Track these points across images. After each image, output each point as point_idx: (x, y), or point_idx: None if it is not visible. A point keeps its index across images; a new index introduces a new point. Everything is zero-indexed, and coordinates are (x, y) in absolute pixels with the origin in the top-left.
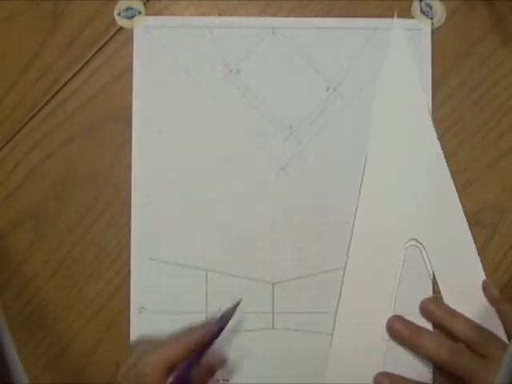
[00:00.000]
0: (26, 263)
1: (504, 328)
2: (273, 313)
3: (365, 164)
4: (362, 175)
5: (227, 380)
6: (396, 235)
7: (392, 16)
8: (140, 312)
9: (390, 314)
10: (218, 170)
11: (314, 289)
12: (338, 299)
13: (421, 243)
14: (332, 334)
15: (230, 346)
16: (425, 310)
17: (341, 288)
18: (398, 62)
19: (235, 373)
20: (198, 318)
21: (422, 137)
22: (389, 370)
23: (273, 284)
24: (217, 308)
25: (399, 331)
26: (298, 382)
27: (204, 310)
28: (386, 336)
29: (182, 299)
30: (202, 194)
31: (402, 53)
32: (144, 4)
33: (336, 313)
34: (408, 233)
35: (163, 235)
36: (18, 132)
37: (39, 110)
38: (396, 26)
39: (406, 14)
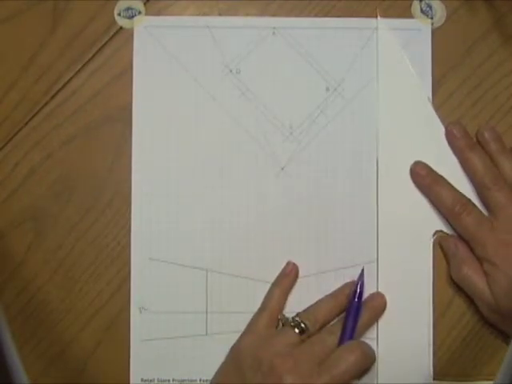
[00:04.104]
0: (26, 263)
1: (471, 181)
2: None
3: (377, 165)
4: (377, 177)
5: None
6: (421, 230)
7: (392, 16)
8: (140, 312)
9: (431, 315)
10: (217, 170)
11: (314, 289)
12: None
13: (447, 234)
14: (377, 337)
15: (229, 345)
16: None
17: (377, 292)
18: (395, 62)
19: None
20: (198, 318)
21: (429, 130)
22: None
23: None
24: (217, 308)
25: (421, 176)
26: None
27: (204, 310)
28: (431, 339)
29: (182, 299)
30: (202, 193)
31: (396, 53)
32: (144, 4)
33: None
34: (432, 225)
35: (163, 235)
36: (18, 132)
37: (39, 110)
38: (380, 26)
39: (406, 13)
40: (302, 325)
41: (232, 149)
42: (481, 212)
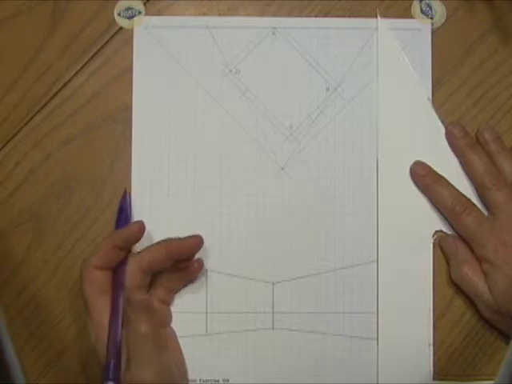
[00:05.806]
0: (26, 263)
1: (471, 180)
2: (273, 313)
3: (377, 165)
4: (377, 177)
5: (227, 380)
6: (421, 230)
7: (392, 16)
8: None
9: (431, 315)
10: (217, 170)
11: (314, 289)
12: (377, 303)
13: (447, 234)
14: (377, 337)
15: (229, 345)
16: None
17: (377, 292)
18: (395, 62)
19: (235, 373)
20: (198, 318)
21: (429, 130)
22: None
23: (273, 284)
24: (217, 308)
25: (421, 176)
26: (297, 382)
27: (204, 310)
28: (431, 339)
29: (182, 299)
30: (201, 194)
31: (396, 53)
32: (144, 4)
33: (377, 316)
34: (432, 225)
35: (163, 235)
36: (18, 132)
37: (39, 110)
38: (380, 26)
39: (406, 13)
40: None
41: (232, 149)
42: (481, 212)
